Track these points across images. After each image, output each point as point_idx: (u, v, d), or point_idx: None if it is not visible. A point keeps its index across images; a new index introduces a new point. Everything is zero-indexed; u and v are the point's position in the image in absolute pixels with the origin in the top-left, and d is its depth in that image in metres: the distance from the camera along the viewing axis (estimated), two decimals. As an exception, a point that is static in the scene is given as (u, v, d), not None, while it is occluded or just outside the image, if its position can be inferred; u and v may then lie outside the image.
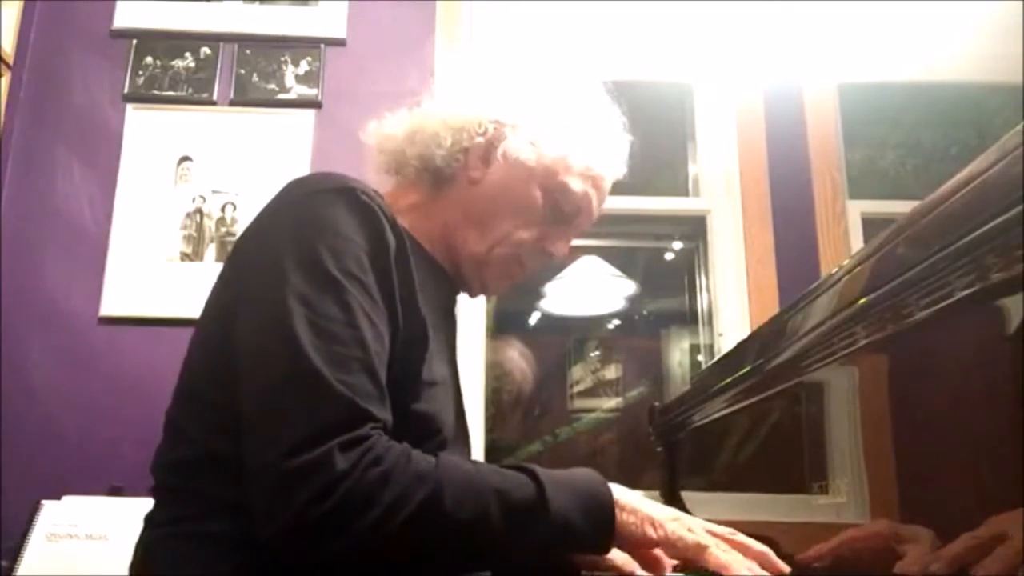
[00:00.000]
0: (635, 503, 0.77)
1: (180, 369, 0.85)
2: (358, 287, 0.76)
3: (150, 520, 0.82)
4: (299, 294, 0.74)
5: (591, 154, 1.00)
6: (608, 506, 0.75)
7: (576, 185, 0.98)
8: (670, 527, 0.77)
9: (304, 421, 0.69)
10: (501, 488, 0.72)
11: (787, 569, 0.78)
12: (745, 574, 0.74)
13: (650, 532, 0.76)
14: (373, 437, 0.71)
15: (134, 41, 2.05)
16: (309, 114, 2.02)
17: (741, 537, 0.80)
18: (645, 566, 0.83)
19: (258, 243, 0.82)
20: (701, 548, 0.75)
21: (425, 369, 0.84)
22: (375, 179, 1.02)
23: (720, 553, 0.75)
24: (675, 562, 0.82)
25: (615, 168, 1.04)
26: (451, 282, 1.03)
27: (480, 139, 0.96)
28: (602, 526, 0.75)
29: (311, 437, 0.68)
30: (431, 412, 0.84)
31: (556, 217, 1.00)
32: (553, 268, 2.72)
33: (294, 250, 0.76)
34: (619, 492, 0.78)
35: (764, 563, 0.76)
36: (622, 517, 0.76)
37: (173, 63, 2.05)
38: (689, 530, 0.78)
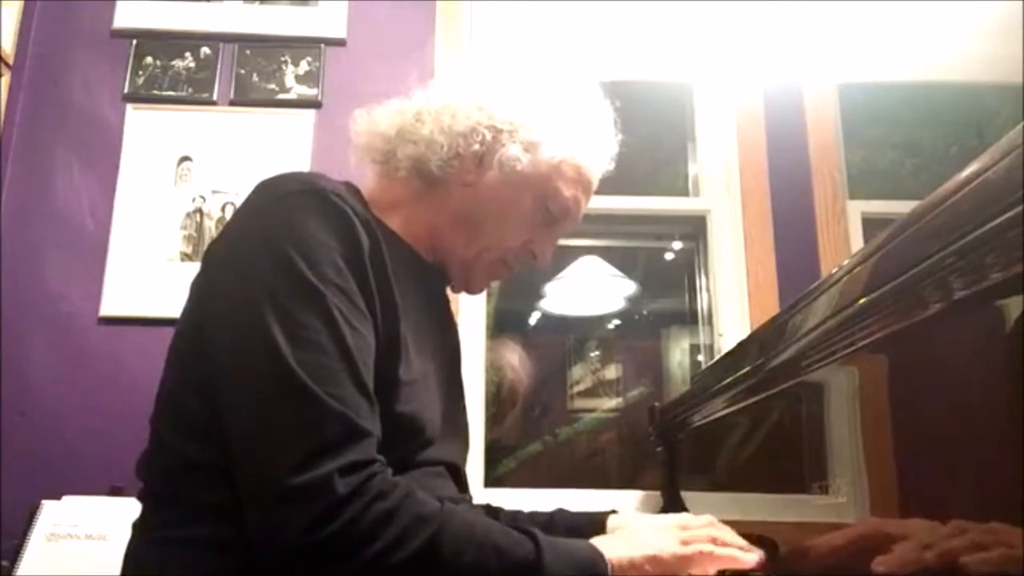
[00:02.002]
0: (631, 554, 0.77)
1: (160, 375, 0.85)
2: (337, 293, 0.75)
3: (137, 525, 0.82)
4: (276, 305, 0.73)
5: (584, 158, 0.99)
6: None
7: (567, 190, 0.97)
8: (667, 556, 0.79)
9: (301, 439, 0.68)
10: (500, 545, 0.72)
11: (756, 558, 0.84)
12: (753, 558, 0.82)
13: (653, 571, 0.78)
14: (375, 467, 0.71)
15: (134, 41, 2.05)
16: (309, 114, 2.02)
17: (717, 529, 0.86)
18: None
19: (230, 250, 0.81)
20: (705, 555, 0.80)
21: (402, 368, 0.83)
22: (366, 173, 1.01)
23: (722, 551, 0.81)
24: None
25: (604, 168, 1.03)
26: (437, 275, 1.02)
27: (477, 147, 0.94)
28: None
29: (310, 455, 0.68)
30: (410, 412, 0.83)
31: (544, 220, 0.99)
32: (550, 268, 2.71)
33: (267, 258, 0.75)
34: (614, 551, 0.77)
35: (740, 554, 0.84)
36: None
37: (173, 63, 2.05)
38: (683, 543, 0.81)
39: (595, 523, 1.01)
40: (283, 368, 0.70)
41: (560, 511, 1.09)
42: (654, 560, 0.78)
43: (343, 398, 0.71)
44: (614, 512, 1.03)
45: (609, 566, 0.76)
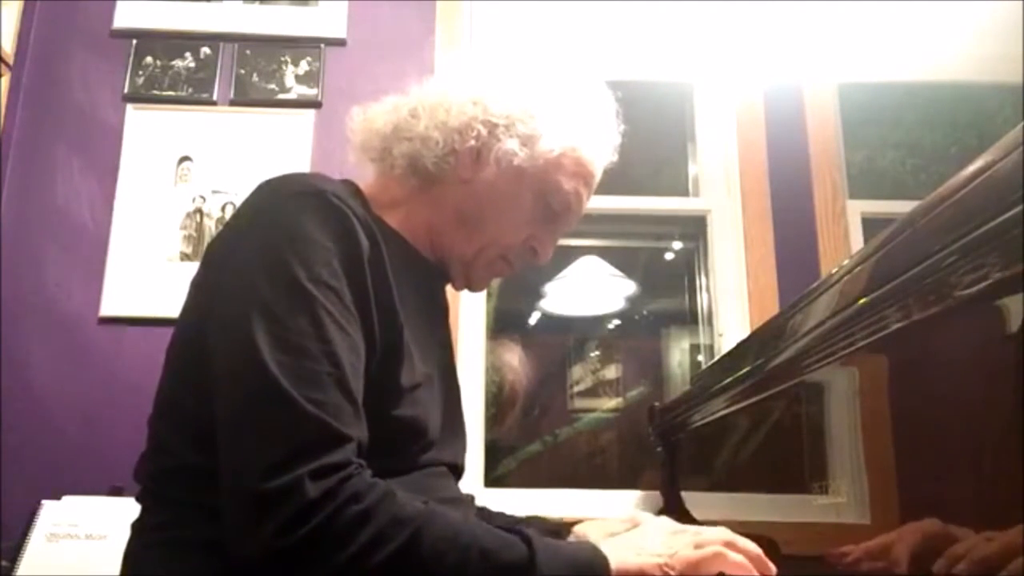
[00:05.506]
0: (634, 561, 0.74)
1: (159, 377, 0.84)
2: (331, 295, 0.74)
3: (135, 527, 0.82)
4: (265, 308, 0.72)
5: (584, 150, 0.96)
6: None
7: (568, 184, 0.95)
8: (675, 563, 0.74)
9: (274, 444, 0.67)
10: (488, 548, 0.69)
11: (774, 571, 0.77)
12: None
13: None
14: (352, 468, 0.69)
15: (134, 41, 2.05)
16: (309, 114, 2.02)
17: (731, 536, 0.79)
18: None
19: (228, 252, 0.80)
20: (716, 556, 0.74)
21: (404, 373, 0.82)
22: (366, 172, 1.00)
23: (734, 555, 0.75)
24: None
25: (606, 160, 1.01)
26: (437, 273, 1.00)
27: (473, 142, 0.92)
28: None
29: (282, 461, 0.66)
30: (412, 416, 0.83)
31: (545, 215, 0.97)
32: (550, 268, 2.71)
33: (262, 260, 0.75)
34: (618, 556, 0.73)
35: (759, 565, 0.76)
36: None
37: (173, 63, 2.05)
38: (696, 546, 0.76)
39: (554, 533, 0.97)
40: (261, 370, 0.69)
41: (534, 518, 1.07)
42: (662, 568, 0.74)
43: (322, 402, 0.70)
44: (578, 523, 1.02)
45: (613, 571, 0.72)
